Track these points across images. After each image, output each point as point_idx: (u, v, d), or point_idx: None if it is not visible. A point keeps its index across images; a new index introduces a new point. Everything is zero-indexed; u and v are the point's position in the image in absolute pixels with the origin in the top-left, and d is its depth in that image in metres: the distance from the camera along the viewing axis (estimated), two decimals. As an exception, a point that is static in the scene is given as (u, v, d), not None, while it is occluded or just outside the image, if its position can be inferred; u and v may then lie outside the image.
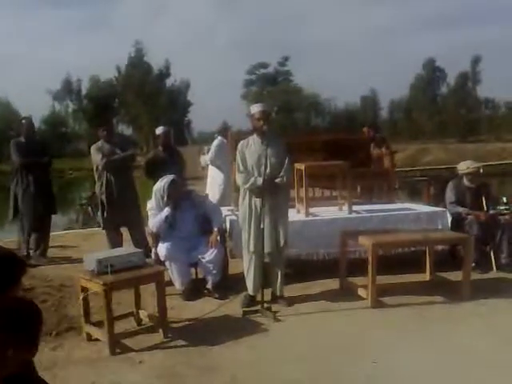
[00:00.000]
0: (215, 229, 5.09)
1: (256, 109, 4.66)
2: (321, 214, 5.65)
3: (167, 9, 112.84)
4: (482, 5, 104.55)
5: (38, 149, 6.64)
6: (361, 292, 4.81)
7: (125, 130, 56.19)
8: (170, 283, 4.99)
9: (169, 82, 55.62)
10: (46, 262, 6.44)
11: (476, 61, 55.43)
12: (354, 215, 5.66)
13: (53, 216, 6.90)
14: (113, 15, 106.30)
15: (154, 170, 6.34)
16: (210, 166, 7.90)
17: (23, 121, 6.83)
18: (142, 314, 4.38)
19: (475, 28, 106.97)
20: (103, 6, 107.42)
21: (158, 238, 5.18)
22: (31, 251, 6.60)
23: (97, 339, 3.99)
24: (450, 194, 5.97)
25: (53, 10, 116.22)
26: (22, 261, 2.08)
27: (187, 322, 4.44)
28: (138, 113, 51.44)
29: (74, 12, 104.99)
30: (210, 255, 5.00)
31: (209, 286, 5.09)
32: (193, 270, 5.34)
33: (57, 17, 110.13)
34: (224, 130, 7.55)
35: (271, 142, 4.60)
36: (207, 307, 4.73)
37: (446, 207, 5.96)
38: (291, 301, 4.79)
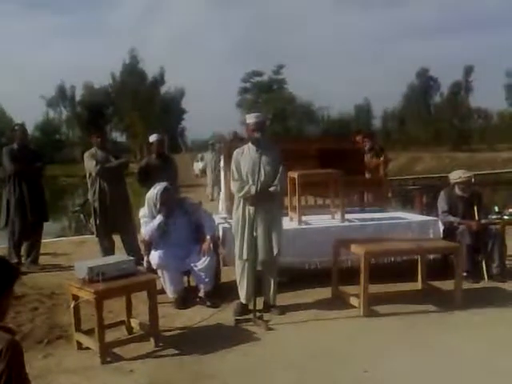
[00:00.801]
0: (208, 237, 5.08)
1: (251, 119, 4.69)
2: (313, 223, 5.66)
3: (162, 16, 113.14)
4: (476, 14, 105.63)
5: (31, 156, 6.62)
6: (353, 301, 4.81)
7: (118, 137, 56.31)
8: (162, 291, 4.97)
9: (163, 89, 55.75)
10: (37, 270, 6.40)
11: (468, 71, 55.88)
12: (346, 223, 5.67)
13: (45, 223, 6.87)
14: (108, 22, 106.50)
15: (147, 178, 6.34)
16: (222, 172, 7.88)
17: (16, 128, 6.81)
18: (134, 322, 4.35)
19: (468, 37, 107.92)
20: (98, 12, 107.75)
21: (150, 245, 5.16)
22: (22, 258, 6.56)
23: (88, 348, 3.96)
24: (442, 203, 5.99)
25: (47, 16, 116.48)
26: (15, 267, 2.07)
27: (179, 331, 4.42)
28: (132, 120, 51.37)
29: (68, 18, 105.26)
30: (202, 263, 4.99)
31: (201, 294, 5.08)
32: (185, 278, 5.33)
33: (51, 23, 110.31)
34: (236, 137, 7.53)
35: (266, 151, 4.63)
36: (199, 315, 4.71)
37: (438, 216, 5.99)
38: (283, 309, 4.78)
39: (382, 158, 7.28)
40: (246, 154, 4.73)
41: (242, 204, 4.70)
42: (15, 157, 6.44)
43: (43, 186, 6.82)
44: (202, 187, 15.09)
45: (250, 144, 4.74)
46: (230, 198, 5.41)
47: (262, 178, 4.56)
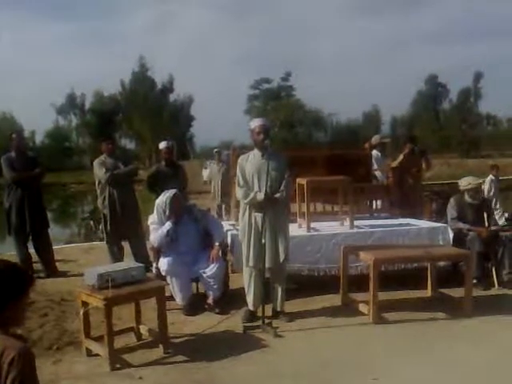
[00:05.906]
0: (216, 243, 5.09)
1: (256, 123, 4.70)
2: (322, 229, 5.65)
3: (171, 24, 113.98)
4: (485, 21, 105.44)
5: (29, 163, 6.54)
6: (362, 308, 4.79)
7: (128, 144, 56.66)
8: (171, 298, 4.98)
9: (172, 96, 56.04)
10: (56, 275, 6.43)
11: (478, 77, 55.75)
12: (355, 230, 5.65)
13: (54, 230, 6.87)
14: (118, 31, 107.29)
15: (156, 185, 6.37)
16: None
17: (13, 135, 6.64)
18: (143, 328, 4.36)
19: (477, 44, 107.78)
20: (108, 20, 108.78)
21: (159, 252, 5.18)
22: (38, 265, 6.59)
23: (97, 354, 3.97)
24: (451, 210, 5.96)
25: (57, 24, 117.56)
26: (27, 274, 2.08)
27: (188, 337, 4.42)
28: (141, 127, 51.66)
29: (78, 26, 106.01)
30: (211, 270, 4.99)
31: (210, 300, 5.08)
32: (194, 285, 5.33)
33: (61, 31, 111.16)
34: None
35: (272, 156, 4.63)
36: (208, 322, 4.71)
37: (447, 223, 5.96)
38: (292, 316, 4.77)
39: (422, 162, 7.16)
40: (251, 160, 4.73)
41: (248, 211, 4.70)
42: (13, 165, 6.39)
43: (42, 193, 6.71)
44: (210, 194, 15.07)
45: (255, 150, 4.75)
46: (237, 205, 5.41)
47: (269, 184, 4.56)
